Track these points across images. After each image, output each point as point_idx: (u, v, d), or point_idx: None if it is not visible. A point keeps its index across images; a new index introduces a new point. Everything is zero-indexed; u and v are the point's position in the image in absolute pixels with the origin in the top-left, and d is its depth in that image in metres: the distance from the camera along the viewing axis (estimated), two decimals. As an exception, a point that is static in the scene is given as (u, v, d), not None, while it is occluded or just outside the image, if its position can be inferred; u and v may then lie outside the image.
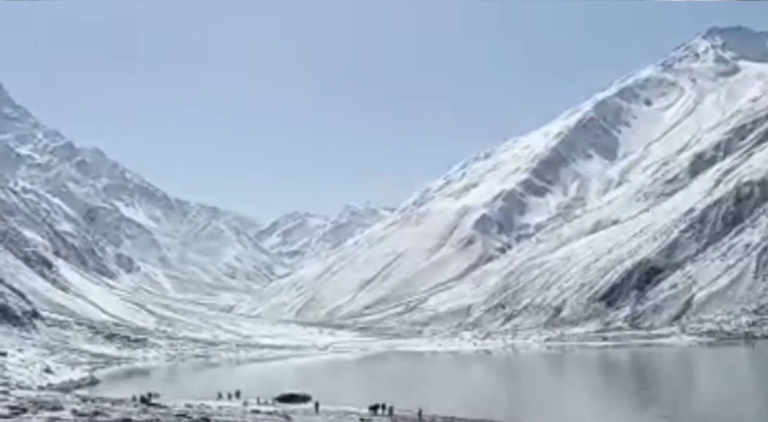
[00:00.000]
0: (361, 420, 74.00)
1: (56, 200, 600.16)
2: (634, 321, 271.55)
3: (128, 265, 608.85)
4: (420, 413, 78.44)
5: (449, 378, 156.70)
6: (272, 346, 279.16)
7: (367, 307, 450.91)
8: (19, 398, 73.11)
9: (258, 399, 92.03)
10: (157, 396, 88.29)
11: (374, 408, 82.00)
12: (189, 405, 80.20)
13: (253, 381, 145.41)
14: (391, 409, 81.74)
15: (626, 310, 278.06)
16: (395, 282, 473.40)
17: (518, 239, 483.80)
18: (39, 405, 66.45)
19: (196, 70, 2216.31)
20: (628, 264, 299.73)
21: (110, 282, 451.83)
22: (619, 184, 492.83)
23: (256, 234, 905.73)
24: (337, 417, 76.63)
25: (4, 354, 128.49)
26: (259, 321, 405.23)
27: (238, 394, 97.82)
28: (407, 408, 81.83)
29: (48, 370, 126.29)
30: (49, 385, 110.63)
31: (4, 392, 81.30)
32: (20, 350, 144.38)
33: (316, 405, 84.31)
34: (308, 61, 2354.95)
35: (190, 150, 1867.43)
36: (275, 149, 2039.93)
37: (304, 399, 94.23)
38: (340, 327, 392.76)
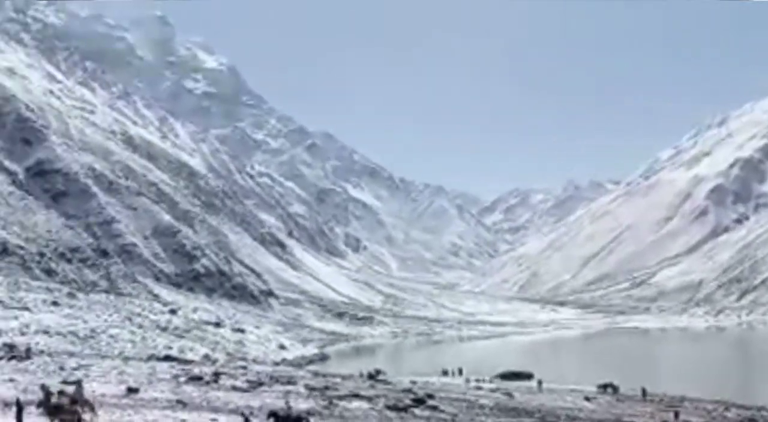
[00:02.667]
0: (586, 398, 73.38)
1: (289, 183, 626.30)
2: None
3: (356, 245, 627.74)
4: (644, 392, 76.95)
5: (678, 356, 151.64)
6: (494, 323, 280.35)
7: (591, 283, 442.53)
8: (257, 372, 78.40)
9: (480, 377, 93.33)
10: (383, 372, 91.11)
11: (604, 387, 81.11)
12: (413, 382, 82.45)
13: (476, 358, 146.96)
14: (616, 388, 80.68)
15: None
16: (620, 257, 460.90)
17: (756, 209, 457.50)
18: (274, 380, 71.10)
19: (419, 51, 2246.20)
20: None
21: (339, 261, 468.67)
22: None
23: (479, 211, 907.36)
24: (561, 395, 76.41)
25: (243, 331, 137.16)
26: (481, 298, 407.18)
27: (460, 371, 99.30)
28: (633, 387, 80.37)
29: (282, 346, 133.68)
30: (283, 360, 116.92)
31: (244, 367, 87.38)
32: (257, 327, 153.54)
33: (539, 382, 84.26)
34: (527, 30, 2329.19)
35: (415, 129, 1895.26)
36: (498, 125, 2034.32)
37: (527, 376, 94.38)
38: (563, 303, 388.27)
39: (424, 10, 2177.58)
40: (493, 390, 77.18)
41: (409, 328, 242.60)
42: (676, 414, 58.36)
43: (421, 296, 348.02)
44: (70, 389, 40.63)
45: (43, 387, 38.66)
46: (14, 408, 34.74)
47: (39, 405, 35.57)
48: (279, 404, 48.61)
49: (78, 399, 36.79)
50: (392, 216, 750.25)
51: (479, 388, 79.83)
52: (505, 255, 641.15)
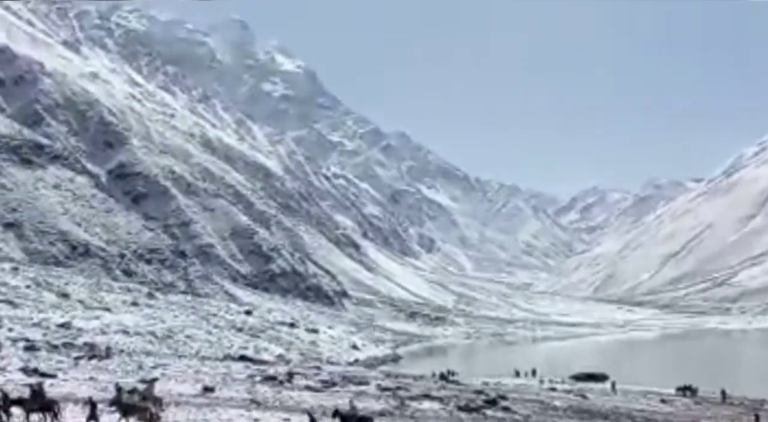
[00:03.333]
0: (662, 400, 72.31)
1: (364, 184, 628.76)
2: None
3: (429, 245, 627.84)
4: (724, 394, 75.31)
5: (760, 358, 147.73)
6: (569, 324, 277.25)
7: (669, 283, 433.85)
8: (329, 373, 79.16)
9: (553, 378, 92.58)
10: (455, 373, 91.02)
11: (683, 390, 79.60)
12: (485, 383, 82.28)
13: (550, 359, 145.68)
14: (695, 390, 79.13)
15: None
16: (700, 257, 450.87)
17: None
18: (347, 380, 71.73)
19: (494, 50, 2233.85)
20: None
21: (413, 262, 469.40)
22: None
23: (555, 210, 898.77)
24: (636, 397, 75.40)
25: (316, 331, 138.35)
26: (555, 298, 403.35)
27: (534, 372, 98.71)
28: (712, 389, 78.69)
29: (355, 347, 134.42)
30: (356, 361, 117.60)
31: (317, 367, 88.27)
32: (330, 327, 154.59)
33: (613, 384, 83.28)
34: (603, 29, 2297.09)
35: (491, 129, 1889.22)
36: (575, 124, 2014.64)
37: (602, 378, 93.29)
38: (640, 304, 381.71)
39: (499, 9, 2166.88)
40: (566, 392, 76.53)
41: (481, 329, 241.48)
42: (757, 418, 56.66)
43: (494, 296, 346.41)
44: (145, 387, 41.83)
45: (116, 386, 39.79)
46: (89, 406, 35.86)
47: (112, 403, 36.66)
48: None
49: (148, 396, 37.87)
50: (467, 216, 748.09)
51: (553, 389, 79.24)
52: (581, 255, 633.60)
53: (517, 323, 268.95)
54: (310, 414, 38.38)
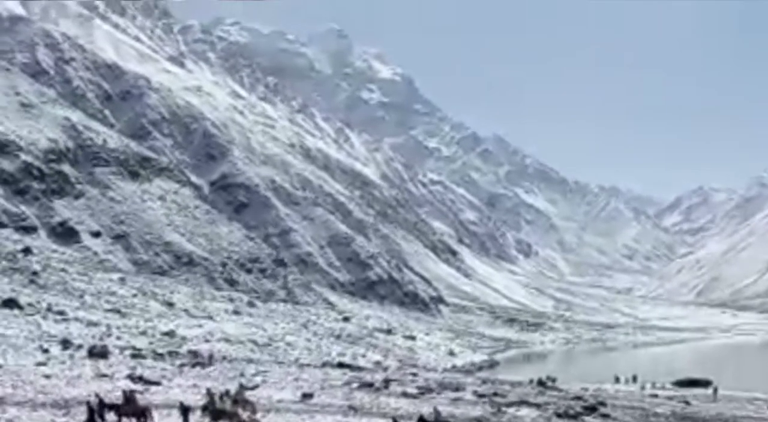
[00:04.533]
0: (769, 407, 70.32)
1: (460, 190, 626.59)
2: None
3: (527, 250, 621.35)
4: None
5: None
6: (671, 328, 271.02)
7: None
8: (426, 379, 79.44)
9: (655, 384, 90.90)
10: (553, 379, 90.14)
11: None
12: (585, 389, 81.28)
13: (651, 364, 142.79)
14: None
15: None
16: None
17: None
18: (443, 386, 71.90)
19: (589, 51, 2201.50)
20: None
21: (510, 267, 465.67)
22: None
23: (656, 212, 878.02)
24: (742, 403, 73.42)
25: (413, 337, 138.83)
26: (657, 302, 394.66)
27: (634, 378, 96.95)
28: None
29: (452, 353, 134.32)
30: (453, 367, 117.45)
31: (414, 374, 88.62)
32: (427, 334, 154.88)
33: (715, 390, 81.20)
34: (702, 27, 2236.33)
35: (589, 131, 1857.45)
36: (676, 123, 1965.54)
37: (706, 383, 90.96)
38: (745, 308, 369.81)
39: (593, 11, 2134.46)
40: (669, 398, 74.88)
41: (581, 334, 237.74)
42: None
43: (594, 301, 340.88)
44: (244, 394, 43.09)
45: (208, 391, 41.15)
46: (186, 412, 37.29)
47: (204, 408, 38.05)
48: (447, 410, 49.60)
49: (239, 400, 39.06)
50: (565, 219, 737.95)
51: (654, 396, 77.62)
52: (684, 258, 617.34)
53: (618, 328, 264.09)
54: (395, 420, 39.04)
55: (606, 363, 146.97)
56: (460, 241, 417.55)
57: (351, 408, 50.71)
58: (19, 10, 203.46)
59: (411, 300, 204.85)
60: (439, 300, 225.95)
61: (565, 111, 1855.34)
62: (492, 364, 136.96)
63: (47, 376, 53.45)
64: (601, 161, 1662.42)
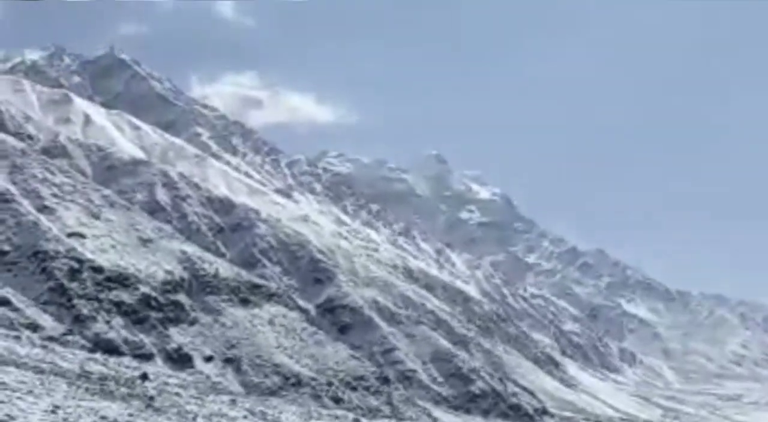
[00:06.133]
0: None
1: (561, 302, 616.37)
2: None
3: (631, 359, 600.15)
4: None
5: None
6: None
7: None
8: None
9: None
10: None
11: None
12: None
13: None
14: None
15: None
16: None
17: None
18: None
19: (679, 165, 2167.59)
20: None
21: (615, 377, 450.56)
22: None
23: (764, 318, 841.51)
24: None
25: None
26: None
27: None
28: None
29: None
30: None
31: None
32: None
33: None
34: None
35: (690, 239, 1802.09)
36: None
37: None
38: None
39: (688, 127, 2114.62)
40: None
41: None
42: None
43: (703, 409, 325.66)
44: None
45: None
46: None
47: None
48: None
49: None
50: (669, 328, 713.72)
51: None
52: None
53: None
54: None
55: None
56: (563, 352, 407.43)
57: None
58: (140, 154, 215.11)
59: (514, 413, 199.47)
60: (544, 411, 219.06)
61: (664, 221, 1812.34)
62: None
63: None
64: (704, 269, 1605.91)
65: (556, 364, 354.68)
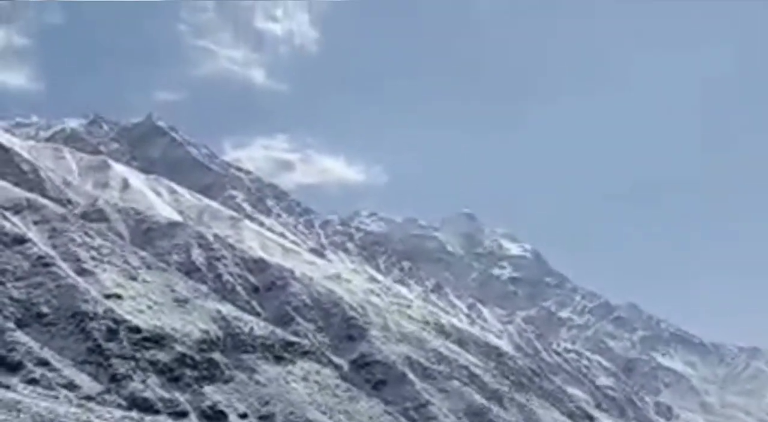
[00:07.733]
0: None
1: (595, 356, 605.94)
2: None
3: (667, 413, 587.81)
4: None
5: None
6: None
7: None
8: None
9: None
10: None
11: None
12: None
13: None
14: None
15: None
16: None
17: None
18: None
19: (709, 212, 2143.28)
20: None
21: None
22: None
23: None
24: None
25: None
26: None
27: None
28: None
29: None
30: None
31: None
32: None
33: None
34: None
35: (723, 291, 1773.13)
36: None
37: None
38: None
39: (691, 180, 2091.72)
40: None
41: None
42: None
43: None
44: None
45: None
46: None
47: None
48: None
49: None
50: (705, 381, 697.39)
51: None
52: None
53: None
54: None
55: None
56: (598, 406, 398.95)
57: None
58: (177, 217, 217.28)
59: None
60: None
61: (696, 274, 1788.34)
62: None
63: None
64: (738, 320, 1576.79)
65: (591, 419, 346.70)
